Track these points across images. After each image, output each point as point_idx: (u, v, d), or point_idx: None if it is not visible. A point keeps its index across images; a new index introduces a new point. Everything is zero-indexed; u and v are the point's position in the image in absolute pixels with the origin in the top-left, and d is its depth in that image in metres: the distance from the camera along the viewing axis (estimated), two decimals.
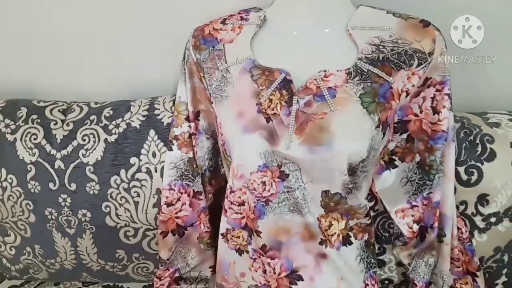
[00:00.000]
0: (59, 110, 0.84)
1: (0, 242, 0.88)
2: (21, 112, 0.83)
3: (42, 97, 0.90)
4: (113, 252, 0.85)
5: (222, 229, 0.71)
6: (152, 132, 0.80)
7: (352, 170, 0.63)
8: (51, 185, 0.80)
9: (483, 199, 0.77)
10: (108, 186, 0.80)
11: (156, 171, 0.79)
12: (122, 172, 0.80)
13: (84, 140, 0.81)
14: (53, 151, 0.80)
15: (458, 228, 0.75)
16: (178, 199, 0.76)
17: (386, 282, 0.87)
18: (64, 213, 0.81)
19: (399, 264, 0.84)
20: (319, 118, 0.63)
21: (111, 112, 0.83)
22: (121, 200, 0.80)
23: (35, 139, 0.81)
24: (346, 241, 0.68)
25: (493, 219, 0.78)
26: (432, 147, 0.70)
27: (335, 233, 0.67)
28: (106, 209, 0.81)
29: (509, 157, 0.77)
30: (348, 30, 0.68)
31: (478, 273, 0.77)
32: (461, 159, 0.77)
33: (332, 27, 0.69)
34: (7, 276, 0.94)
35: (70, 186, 0.80)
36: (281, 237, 0.67)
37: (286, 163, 0.64)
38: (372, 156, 0.65)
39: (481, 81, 0.90)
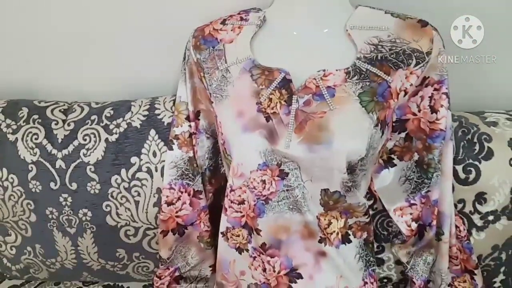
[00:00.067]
0: (60, 110, 0.85)
1: (0, 242, 0.88)
2: (22, 112, 0.84)
3: (42, 97, 0.91)
4: (113, 251, 0.85)
5: (222, 228, 0.72)
6: (152, 132, 0.81)
7: (351, 169, 0.64)
8: (52, 184, 0.81)
9: (481, 198, 0.78)
10: (109, 185, 0.80)
11: (156, 170, 0.80)
12: (123, 171, 0.80)
13: (85, 140, 0.81)
14: (54, 151, 0.81)
15: (456, 226, 0.75)
16: (179, 198, 0.77)
17: (385, 280, 0.88)
18: (65, 213, 0.82)
19: (398, 262, 0.84)
20: (319, 117, 0.64)
21: (111, 112, 0.83)
22: (121, 199, 0.81)
23: (36, 139, 0.81)
24: (345, 239, 0.69)
25: (490, 217, 0.79)
26: (430, 146, 0.70)
27: (334, 231, 0.68)
28: (106, 208, 0.81)
29: (507, 156, 0.77)
30: (347, 30, 0.69)
31: (476, 271, 0.77)
32: (459, 157, 0.78)
33: (331, 27, 0.70)
34: (8, 275, 0.94)
35: (71, 186, 0.80)
36: (280, 235, 0.67)
37: (285, 161, 0.65)
38: (371, 154, 0.66)
39: (480, 81, 0.90)
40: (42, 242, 0.86)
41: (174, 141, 0.77)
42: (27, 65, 0.93)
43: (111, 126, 0.82)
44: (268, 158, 0.65)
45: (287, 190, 0.66)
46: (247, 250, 0.70)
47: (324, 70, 0.66)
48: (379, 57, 0.67)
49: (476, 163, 0.77)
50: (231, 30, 0.73)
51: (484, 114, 0.84)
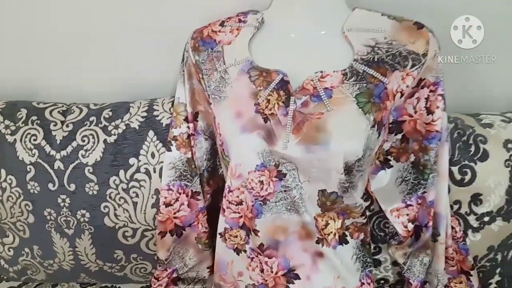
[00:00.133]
0: (58, 112, 0.85)
1: None
2: (21, 114, 0.84)
3: (42, 98, 0.91)
4: (111, 252, 0.85)
5: (220, 229, 0.72)
6: (151, 133, 0.81)
7: (348, 169, 0.65)
8: (50, 185, 0.81)
9: (476, 199, 0.79)
10: (107, 186, 0.80)
11: (155, 171, 0.80)
12: (121, 172, 0.80)
13: (83, 141, 0.81)
14: (53, 152, 0.81)
15: (452, 228, 0.76)
16: (177, 200, 0.77)
17: (382, 281, 0.88)
18: (63, 214, 0.82)
19: (395, 263, 0.84)
20: (316, 118, 0.64)
21: (110, 113, 0.84)
22: (120, 200, 0.81)
23: (34, 140, 0.81)
24: (342, 240, 0.69)
25: (486, 219, 0.79)
26: (426, 147, 0.71)
27: (331, 232, 0.68)
28: (105, 209, 0.81)
29: (502, 157, 0.78)
30: (344, 32, 0.69)
31: (472, 272, 0.78)
32: (455, 159, 0.78)
33: (328, 29, 0.70)
34: (5, 277, 0.94)
35: (70, 187, 0.81)
36: (278, 236, 0.68)
37: (283, 162, 0.65)
38: (368, 155, 0.66)
39: (476, 83, 0.90)
40: (40, 243, 0.85)
41: (173, 142, 0.77)
42: (27, 66, 0.93)
43: (110, 127, 0.82)
44: (266, 158, 0.65)
45: (284, 191, 0.66)
46: (245, 251, 0.70)
47: (321, 72, 0.66)
48: (375, 59, 0.67)
49: (472, 164, 0.78)
50: (230, 32, 0.73)
51: (480, 116, 0.85)
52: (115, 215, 0.81)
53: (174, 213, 0.77)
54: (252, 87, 0.68)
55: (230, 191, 0.69)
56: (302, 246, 0.68)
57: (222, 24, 0.75)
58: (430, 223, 0.73)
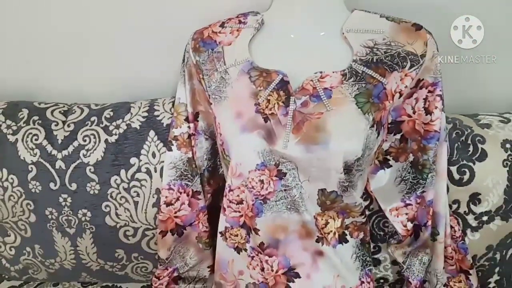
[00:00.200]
0: (60, 112, 0.85)
1: (0, 243, 0.88)
2: (22, 114, 0.84)
3: (42, 98, 0.91)
4: (112, 251, 0.85)
5: (220, 228, 0.73)
6: (152, 133, 0.82)
7: (348, 169, 0.65)
8: (51, 185, 0.81)
9: (475, 198, 0.79)
10: (108, 186, 0.81)
11: (155, 171, 0.81)
12: (122, 172, 0.81)
13: (84, 141, 0.82)
14: (54, 152, 0.81)
15: (451, 227, 0.77)
16: (177, 199, 0.77)
17: (382, 281, 0.88)
18: (64, 213, 0.82)
19: (394, 262, 0.85)
20: (316, 118, 0.65)
21: (111, 113, 0.84)
22: (121, 200, 0.81)
23: (36, 139, 0.82)
24: (342, 239, 0.70)
25: (485, 218, 0.80)
26: (425, 147, 0.72)
27: (331, 231, 0.69)
28: (106, 208, 0.82)
29: (500, 157, 0.79)
30: (343, 33, 0.70)
31: (471, 271, 0.79)
32: (453, 159, 0.79)
33: (327, 30, 0.71)
34: (6, 277, 0.94)
35: (71, 186, 0.81)
36: (278, 235, 0.68)
37: (283, 162, 0.66)
38: (367, 155, 0.67)
39: (474, 84, 0.91)
40: (42, 242, 0.86)
41: (173, 142, 0.78)
42: (27, 66, 0.93)
43: (111, 127, 0.83)
44: (266, 158, 0.66)
45: (285, 190, 0.67)
46: (246, 250, 0.71)
47: (321, 72, 0.67)
48: (374, 60, 0.68)
49: (470, 164, 0.79)
50: (230, 33, 0.74)
51: (478, 116, 0.85)
52: (116, 214, 0.82)
53: (175, 213, 0.78)
54: (252, 87, 0.69)
55: (230, 190, 0.69)
56: (302, 245, 0.69)
57: (222, 25, 0.75)
58: (429, 223, 0.74)
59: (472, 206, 0.80)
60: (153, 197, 0.81)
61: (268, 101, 0.67)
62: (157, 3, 0.86)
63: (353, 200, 0.69)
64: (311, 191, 0.66)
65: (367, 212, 0.77)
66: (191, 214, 0.78)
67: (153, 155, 0.81)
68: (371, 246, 0.83)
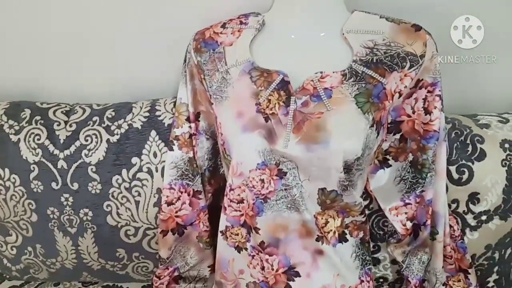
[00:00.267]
0: (62, 112, 0.86)
1: (1, 242, 0.89)
2: (24, 114, 0.85)
3: (42, 98, 0.91)
4: (113, 251, 0.86)
5: (221, 227, 0.73)
6: (153, 133, 0.82)
7: (348, 168, 0.66)
8: (53, 184, 0.82)
9: (474, 198, 0.80)
10: (110, 185, 0.81)
11: (157, 170, 0.81)
12: (124, 171, 0.81)
13: (86, 141, 0.82)
14: (56, 151, 0.82)
15: (450, 226, 0.77)
16: (178, 198, 0.78)
17: (381, 280, 0.89)
18: (66, 212, 0.83)
19: (394, 262, 0.85)
20: (316, 118, 0.65)
21: (113, 113, 0.85)
22: (122, 199, 0.82)
23: (38, 139, 0.82)
24: (342, 238, 0.70)
25: (484, 217, 0.80)
26: (424, 147, 0.72)
27: (331, 230, 0.69)
28: (107, 208, 0.82)
29: (499, 157, 0.79)
30: (343, 34, 0.71)
31: (470, 270, 0.79)
32: (453, 158, 0.80)
33: (327, 31, 0.72)
34: (7, 276, 0.94)
35: (73, 186, 0.82)
36: (279, 234, 0.69)
37: (284, 161, 0.66)
38: (367, 154, 0.67)
39: (473, 85, 0.91)
40: (43, 242, 0.86)
41: (175, 141, 0.78)
42: (27, 66, 0.93)
43: (113, 127, 0.83)
44: (267, 157, 0.66)
45: (285, 189, 0.67)
46: (246, 249, 0.71)
47: (321, 72, 0.68)
48: (374, 60, 0.69)
49: (469, 164, 0.79)
50: (231, 34, 0.75)
51: (477, 116, 0.86)
52: (118, 214, 0.82)
53: (176, 212, 0.78)
54: (253, 87, 0.69)
55: (231, 189, 0.70)
56: (302, 244, 0.69)
57: (223, 26, 0.76)
58: (429, 222, 0.74)
59: (471, 206, 0.80)
60: (154, 197, 0.82)
61: (269, 101, 0.67)
62: (157, 3, 0.86)
63: (353, 200, 0.69)
64: (311, 190, 0.67)
65: (366, 212, 0.77)
66: (192, 214, 0.79)
67: (155, 155, 0.82)
68: (371, 246, 0.83)
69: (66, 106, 0.88)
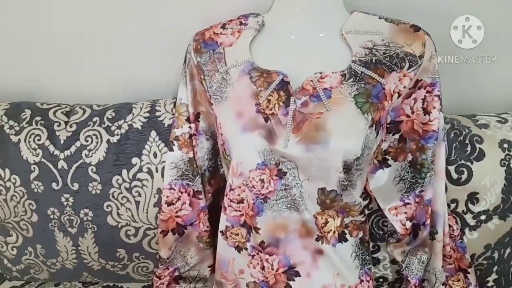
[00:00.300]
0: (62, 112, 0.86)
1: (1, 242, 0.89)
2: (25, 114, 0.85)
3: (42, 99, 0.92)
4: (114, 251, 0.86)
5: (221, 227, 0.73)
6: (153, 133, 0.82)
7: (347, 168, 0.66)
8: (54, 185, 0.82)
9: (473, 197, 0.80)
10: (110, 186, 0.82)
11: (157, 171, 0.81)
12: (124, 172, 0.81)
13: (87, 141, 0.82)
14: (57, 152, 0.82)
15: (450, 226, 0.77)
16: (178, 199, 0.78)
17: (381, 280, 0.89)
18: (66, 213, 0.83)
19: (393, 261, 0.86)
20: (316, 118, 0.66)
21: (113, 114, 0.85)
22: (122, 199, 0.82)
23: (38, 140, 0.82)
24: (342, 238, 0.71)
25: (483, 217, 0.81)
26: (424, 147, 0.73)
27: (331, 230, 0.69)
28: (107, 208, 0.82)
29: (498, 157, 0.80)
30: (342, 35, 0.71)
31: (469, 270, 0.79)
32: (452, 158, 0.80)
33: (327, 32, 0.72)
34: (8, 277, 0.95)
35: (73, 186, 0.82)
36: (278, 233, 0.69)
37: (283, 161, 0.66)
38: (366, 154, 0.68)
39: (477, 82, 0.91)
40: (43, 242, 0.86)
41: (175, 142, 0.78)
42: (27, 67, 0.94)
43: (113, 128, 0.83)
44: (267, 157, 0.67)
45: (285, 189, 0.67)
46: (246, 249, 0.71)
47: (321, 73, 0.68)
48: (373, 60, 0.69)
49: (468, 163, 0.80)
50: (231, 34, 0.75)
51: (476, 117, 0.86)
52: (118, 214, 0.83)
53: (176, 212, 0.78)
54: (253, 87, 0.69)
55: (231, 189, 0.70)
56: (302, 243, 0.69)
57: (223, 26, 0.76)
58: (428, 221, 0.74)
59: (470, 205, 0.80)
60: (155, 197, 0.82)
61: (269, 101, 0.68)
62: (157, 3, 0.87)
63: (353, 199, 0.70)
64: (311, 190, 0.67)
65: (366, 211, 0.77)
66: (192, 214, 0.79)
67: (155, 155, 0.82)
68: (370, 245, 0.83)
69: (66, 107, 0.88)
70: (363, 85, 0.68)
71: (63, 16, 0.89)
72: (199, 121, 0.78)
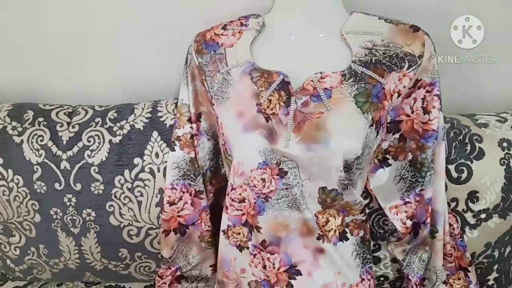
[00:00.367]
0: (64, 113, 0.86)
1: (4, 243, 0.89)
2: (27, 115, 0.86)
3: (42, 99, 0.92)
4: (116, 251, 0.86)
5: (223, 226, 0.74)
6: (155, 134, 0.83)
7: (348, 167, 0.66)
8: (56, 185, 0.82)
9: (473, 196, 0.80)
10: (112, 186, 0.82)
11: (159, 171, 0.82)
12: (126, 172, 0.82)
13: (89, 142, 0.83)
14: (59, 152, 0.82)
15: (450, 225, 0.78)
16: (180, 198, 0.78)
17: (382, 278, 0.89)
18: (69, 213, 0.83)
19: (394, 260, 0.86)
20: (316, 117, 0.66)
21: (115, 114, 0.86)
22: (124, 199, 0.82)
23: (41, 140, 0.83)
24: (343, 237, 0.71)
25: (483, 216, 0.81)
26: (423, 146, 0.73)
27: (332, 229, 0.70)
28: (110, 208, 0.83)
29: (497, 155, 0.80)
30: (342, 35, 0.72)
31: (470, 268, 0.79)
32: (452, 157, 0.80)
33: (327, 32, 0.73)
34: (11, 277, 0.95)
35: (75, 186, 0.82)
36: (280, 232, 0.69)
37: (284, 160, 0.67)
38: (367, 153, 0.68)
39: (477, 82, 0.91)
40: (46, 242, 0.87)
41: (176, 142, 0.79)
42: (27, 67, 0.94)
43: (115, 128, 0.84)
44: (268, 157, 0.67)
45: (286, 188, 0.68)
46: (248, 248, 0.72)
47: (321, 73, 0.68)
48: (373, 60, 0.70)
49: (468, 162, 0.80)
50: (232, 35, 0.76)
51: (475, 116, 0.86)
52: (120, 214, 0.83)
53: (178, 212, 0.79)
54: (254, 87, 0.70)
55: (232, 189, 0.71)
56: (303, 242, 0.70)
57: (224, 27, 0.77)
58: (428, 220, 0.75)
59: (470, 204, 0.81)
60: (156, 197, 0.82)
61: (270, 101, 0.68)
62: (157, 3, 0.87)
63: (353, 198, 0.70)
64: (312, 189, 0.68)
65: (367, 210, 0.78)
66: (193, 214, 0.79)
67: (157, 155, 0.82)
68: (371, 244, 0.84)
69: (68, 108, 0.88)
70: (363, 85, 0.68)
71: (63, 16, 0.89)
72: (200, 122, 0.79)
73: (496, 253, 0.84)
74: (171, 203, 0.79)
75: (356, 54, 0.70)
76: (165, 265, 0.82)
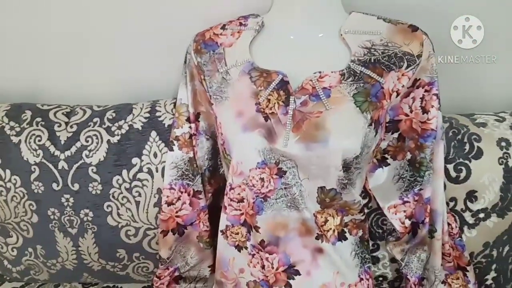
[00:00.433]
0: (62, 113, 0.86)
1: (2, 243, 0.89)
2: (25, 115, 0.85)
3: (42, 99, 0.92)
4: (114, 251, 0.86)
5: (221, 226, 0.73)
6: (153, 133, 0.83)
7: (347, 166, 0.66)
8: (54, 185, 0.82)
9: (471, 196, 0.81)
10: (110, 186, 0.82)
11: (157, 171, 0.82)
12: (124, 172, 0.82)
13: (87, 142, 0.83)
14: (57, 152, 0.82)
15: (449, 224, 0.78)
16: (179, 198, 0.78)
17: (381, 278, 0.89)
18: (66, 213, 0.83)
19: (393, 260, 0.86)
20: (315, 117, 0.66)
21: (113, 114, 0.85)
22: (122, 199, 0.82)
23: (39, 140, 0.83)
24: (341, 237, 0.71)
25: (481, 215, 0.81)
26: (422, 145, 0.73)
27: (330, 228, 0.70)
28: (108, 208, 0.83)
29: (496, 155, 0.80)
30: (341, 35, 0.72)
31: (468, 268, 0.79)
32: (450, 157, 0.80)
33: (326, 32, 0.73)
34: (8, 278, 0.95)
35: (73, 186, 0.82)
36: (278, 232, 0.69)
37: (283, 160, 0.67)
38: (366, 153, 0.68)
39: (477, 82, 0.92)
40: (44, 243, 0.87)
41: (175, 142, 0.79)
42: (26, 67, 0.94)
43: (113, 128, 0.83)
44: (267, 156, 0.67)
45: (285, 188, 0.68)
46: (246, 248, 0.72)
47: (320, 72, 0.68)
48: (372, 60, 0.70)
49: (467, 162, 0.80)
50: (231, 35, 0.76)
51: (474, 115, 0.87)
52: (118, 214, 0.83)
53: (176, 212, 0.79)
54: (253, 87, 0.70)
55: (231, 188, 0.70)
56: (302, 242, 0.69)
57: (223, 27, 0.77)
58: (427, 220, 0.75)
59: (468, 204, 0.81)
60: (155, 197, 0.82)
61: (269, 100, 0.68)
62: (157, 4, 0.87)
63: (352, 198, 0.70)
64: (311, 189, 0.68)
65: (365, 210, 0.78)
66: (192, 214, 0.79)
67: (155, 155, 0.82)
68: (370, 244, 0.84)
69: (66, 108, 0.88)
70: (362, 84, 0.68)
71: (63, 16, 0.89)
72: (199, 121, 0.79)
73: (494, 253, 0.84)
74: (169, 203, 0.78)
75: (355, 53, 0.70)
76: (163, 266, 0.82)
